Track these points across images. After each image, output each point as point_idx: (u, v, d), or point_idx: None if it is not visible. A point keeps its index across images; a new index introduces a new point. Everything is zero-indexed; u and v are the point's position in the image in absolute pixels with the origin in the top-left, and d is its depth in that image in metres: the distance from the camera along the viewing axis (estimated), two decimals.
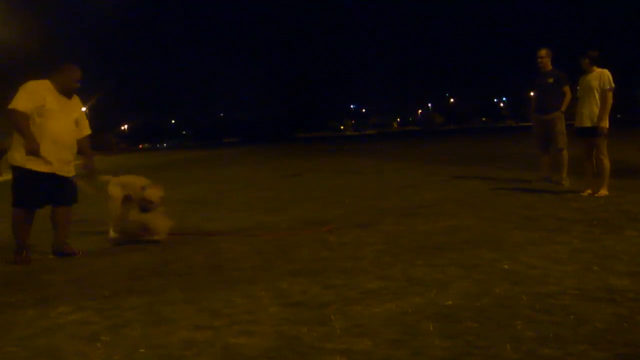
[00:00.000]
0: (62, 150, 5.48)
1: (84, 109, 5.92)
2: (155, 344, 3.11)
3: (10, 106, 5.29)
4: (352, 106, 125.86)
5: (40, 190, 5.41)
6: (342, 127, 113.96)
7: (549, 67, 8.95)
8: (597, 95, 7.42)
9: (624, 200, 6.93)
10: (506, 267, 4.24)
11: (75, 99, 5.74)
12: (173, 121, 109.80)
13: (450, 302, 3.49)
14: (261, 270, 4.62)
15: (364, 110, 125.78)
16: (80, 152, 5.73)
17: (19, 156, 5.35)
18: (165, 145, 75.54)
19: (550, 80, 8.87)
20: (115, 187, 6.32)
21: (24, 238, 5.48)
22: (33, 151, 5.28)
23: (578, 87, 7.75)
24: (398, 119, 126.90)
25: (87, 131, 5.85)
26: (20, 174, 5.38)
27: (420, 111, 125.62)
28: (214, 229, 6.75)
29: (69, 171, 5.61)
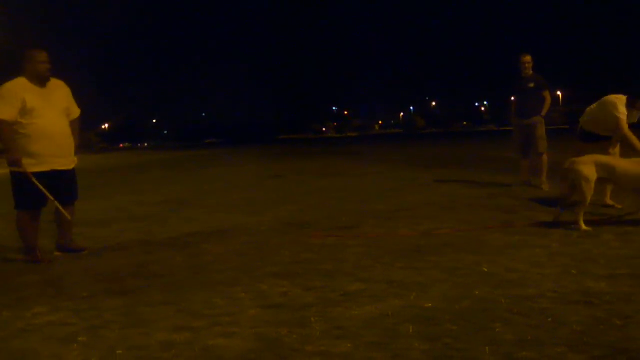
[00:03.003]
0: (58, 144, 5.36)
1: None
2: (133, 345, 3.08)
3: None
4: (334, 108, 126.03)
5: (39, 190, 5.28)
6: (324, 129, 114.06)
7: (531, 72, 9.04)
8: None
9: (602, 204, 6.99)
10: (486, 270, 4.26)
11: (59, 85, 5.52)
12: (154, 121, 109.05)
13: (430, 305, 3.50)
14: (242, 271, 4.59)
15: (346, 112, 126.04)
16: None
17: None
18: (146, 145, 74.98)
19: (531, 85, 8.96)
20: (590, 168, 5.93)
21: (33, 239, 5.40)
22: (14, 162, 5.18)
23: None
24: (380, 122, 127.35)
25: (76, 113, 5.69)
26: (19, 177, 5.27)
27: (402, 114, 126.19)
28: (193, 231, 6.70)
29: (68, 164, 5.50)
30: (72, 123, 5.62)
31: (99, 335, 3.25)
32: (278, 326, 3.26)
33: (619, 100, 6.91)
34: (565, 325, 3.05)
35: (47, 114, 5.30)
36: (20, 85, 5.25)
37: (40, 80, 5.33)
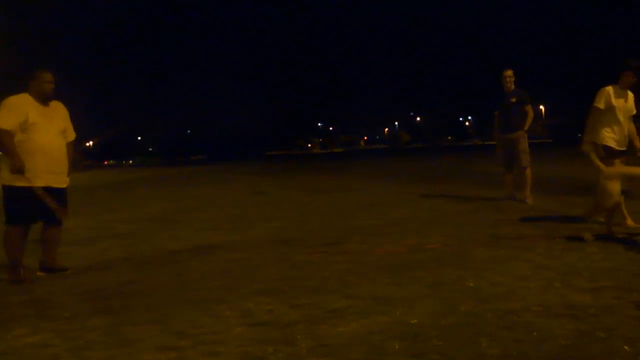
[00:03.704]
0: (52, 162, 5.39)
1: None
2: None
3: None
4: (319, 124, 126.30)
5: (33, 205, 5.29)
6: (309, 145, 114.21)
7: (513, 86, 9.14)
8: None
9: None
10: (471, 284, 4.27)
11: (59, 107, 5.63)
12: (139, 138, 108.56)
13: (416, 321, 3.50)
14: (227, 289, 4.57)
15: (331, 128, 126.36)
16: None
17: (7, 174, 5.25)
18: (131, 162, 74.56)
19: (514, 99, 9.07)
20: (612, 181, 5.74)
21: (18, 256, 5.34)
22: (18, 170, 5.18)
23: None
24: (365, 137, 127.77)
25: (72, 137, 5.76)
26: (11, 191, 5.26)
27: (387, 129, 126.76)
28: (178, 248, 6.65)
29: (61, 182, 5.51)
30: (67, 145, 5.67)
31: (82, 356, 3.21)
32: (264, 344, 3.24)
33: (601, 92, 6.68)
34: (550, 339, 3.07)
35: (47, 131, 5.38)
36: (24, 100, 5.36)
37: (44, 100, 5.44)
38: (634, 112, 6.79)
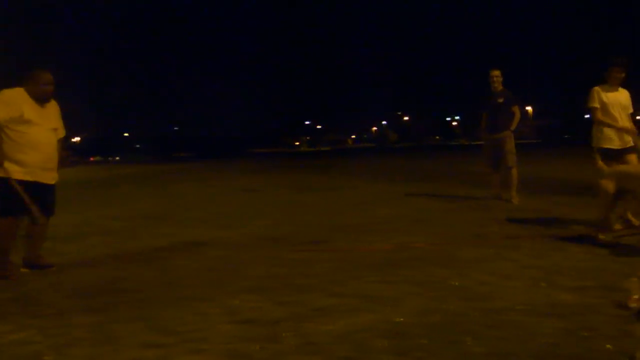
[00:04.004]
0: (44, 158, 5.35)
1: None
2: None
3: None
4: (307, 122, 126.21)
5: (18, 198, 5.19)
6: (297, 143, 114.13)
7: (500, 87, 9.18)
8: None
9: (573, 216, 7.12)
10: (457, 283, 4.30)
11: (53, 105, 5.57)
12: (126, 134, 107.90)
13: (402, 319, 3.51)
14: (213, 287, 4.55)
15: (319, 126, 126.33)
16: None
17: None
18: (117, 158, 74.06)
19: (501, 100, 9.10)
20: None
21: (8, 250, 5.28)
22: None
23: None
24: (353, 136, 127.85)
25: (62, 134, 5.70)
26: (2, 182, 5.19)
27: (374, 128, 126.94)
28: (165, 245, 6.62)
29: (50, 178, 5.47)
30: (57, 142, 5.62)
31: (66, 354, 3.18)
32: (249, 342, 3.23)
33: (591, 93, 6.57)
34: (535, 338, 3.09)
35: (41, 127, 5.34)
36: (20, 95, 5.30)
37: (39, 99, 5.38)
38: (631, 110, 6.62)
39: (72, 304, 4.20)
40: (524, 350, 2.93)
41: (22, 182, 5.20)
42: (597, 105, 6.49)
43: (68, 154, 6.06)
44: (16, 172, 5.19)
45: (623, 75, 6.48)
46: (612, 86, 6.54)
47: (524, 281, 4.27)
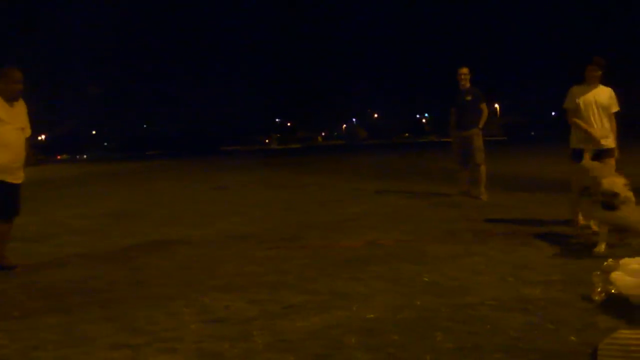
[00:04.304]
0: (12, 158, 5.29)
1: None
2: None
3: None
4: (277, 120, 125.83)
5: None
6: (267, 141, 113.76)
7: (468, 84, 9.29)
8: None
9: (540, 212, 7.24)
10: (427, 279, 4.35)
11: (20, 104, 5.51)
12: (93, 132, 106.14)
13: (373, 316, 3.54)
14: (184, 285, 4.53)
15: (289, 124, 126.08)
16: None
17: None
18: (85, 157, 72.82)
19: (469, 97, 9.21)
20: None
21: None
22: None
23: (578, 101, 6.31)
24: (323, 133, 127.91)
25: (28, 133, 5.62)
26: None
27: (344, 126, 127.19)
28: (134, 244, 6.56)
29: (17, 178, 5.40)
30: (25, 141, 5.55)
31: (33, 357, 3.14)
32: (220, 340, 3.23)
33: (568, 93, 6.44)
34: (502, 332, 3.15)
35: (9, 127, 5.29)
36: None
37: (9, 98, 5.33)
38: (613, 109, 6.34)
39: (40, 305, 4.14)
40: (492, 344, 2.98)
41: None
42: (571, 106, 6.36)
43: (33, 152, 5.97)
44: None
45: (599, 73, 6.26)
46: (590, 85, 6.30)
47: (493, 276, 4.35)
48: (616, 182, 4.71)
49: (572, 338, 3.02)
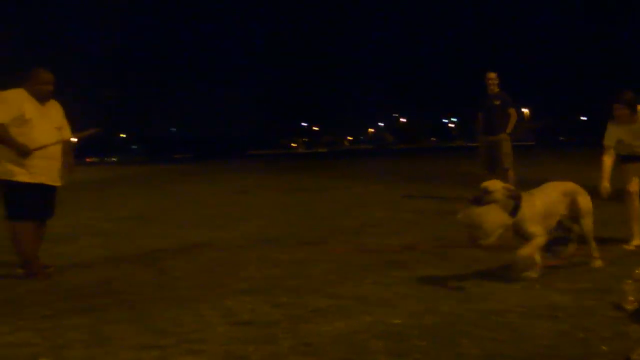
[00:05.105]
0: (47, 159, 5.28)
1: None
2: None
3: None
4: (303, 124, 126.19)
5: (35, 200, 5.21)
6: (294, 145, 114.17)
7: (497, 89, 9.21)
8: None
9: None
10: (453, 285, 4.30)
11: (54, 104, 5.50)
12: (122, 135, 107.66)
13: (398, 321, 3.51)
14: (209, 288, 4.55)
15: (315, 128, 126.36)
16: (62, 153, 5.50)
17: (5, 168, 5.15)
18: (114, 159, 73.98)
19: (497, 102, 9.13)
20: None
21: (31, 251, 5.25)
22: (25, 154, 5.09)
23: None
24: (349, 138, 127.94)
25: (67, 135, 5.64)
26: (10, 186, 5.16)
27: (371, 130, 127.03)
28: (161, 246, 6.61)
29: (55, 180, 5.41)
30: (64, 144, 5.57)
31: (62, 355, 3.17)
32: (245, 343, 3.23)
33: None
34: (530, 340, 3.10)
35: (43, 128, 5.27)
36: (21, 95, 5.24)
37: (40, 99, 5.32)
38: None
39: (68, 306, 4.19)
40: (519, 352, 2.93)
41: (28, 185, 5.17)
42: (609, 143, 5.70)
43: (73, 161, 5.93)
44: (21, 175, 5.14)
45: (626, 111, 5.54)
46: (620, 124, 5.66)
47: (520, 283, 4.27)
48: (497, 183, 4.59)
49: (603, 347, 2.96)
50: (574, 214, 4.80)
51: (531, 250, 4.41)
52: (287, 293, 4.27)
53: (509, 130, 9.10)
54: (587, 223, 4.78)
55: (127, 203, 12.37)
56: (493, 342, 3.09)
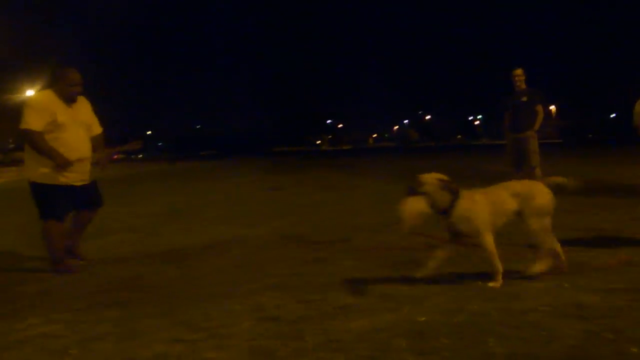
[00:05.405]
0: (80, 160, 5.39)
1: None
2: (128, 357, 3.09)
3: (23, 127, 5.18)
4: (328, 121, 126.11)
5: (63, 201, 5.35)
6: (318, 142, 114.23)
7: (523, 86, 9.11)
8: None
9: (598, 218, 7.03)
10: (480, 283, 4.29)
11: (82, 102, 5.57)
12: (148, 132, 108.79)
13: (424, 319, 3.52)
14: (238, 284, 4.60)
15: (340, 125, 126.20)
16: (93, 149, 5.63)
17: (33, 172, 5.29)
18: (140, 156, 74.87)
19: (524, 99, 9.02)
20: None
21: (61, 249, 5.40)
22: (63, 165, 5.21)
23: None
24: (374, 135, 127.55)
25: (98, 130, 5.74)
26: (39, 189, 5.30)
27: (396, 127, 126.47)
28: (190, 242, 6.70)
29: (85, 180, 5.52)
30: (95, 139, 5.68)
31: (92, 348, 3.25)
32: (273, 339, 3.27)
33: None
34: (558, 340, 3.08)
35: (74, 130, 5.37)
36: (50, 98, 5.31)
37: (68, 99, 5.38)
38: None
39: (98, 299, 4.28)
40: (546, 352, 2.92)
41: (57, 187, 5.28)
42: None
43: (109, 152, 6.02)
44: (51, 177, 5.26)
45: None
46: None
47: (548, 282, 4.24)
48: (432, 175, 4.57)
49: (633, 349, 2.92)
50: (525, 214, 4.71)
51: (490, 257, 4.40)
52: (314, 290, 4.30)
53: (536, 127, 8.99)
54: (533, 223, 4.67)
55: (156, 199, 12.52)
56: (519, 341, 3.08)
